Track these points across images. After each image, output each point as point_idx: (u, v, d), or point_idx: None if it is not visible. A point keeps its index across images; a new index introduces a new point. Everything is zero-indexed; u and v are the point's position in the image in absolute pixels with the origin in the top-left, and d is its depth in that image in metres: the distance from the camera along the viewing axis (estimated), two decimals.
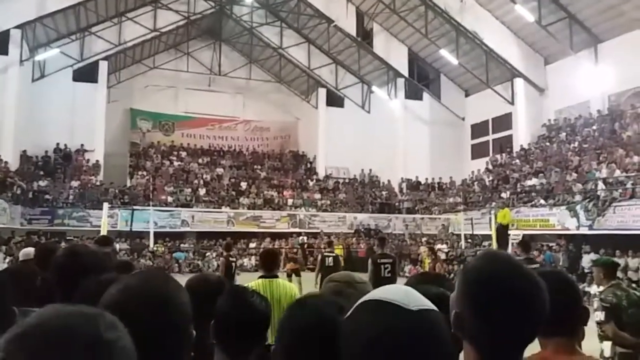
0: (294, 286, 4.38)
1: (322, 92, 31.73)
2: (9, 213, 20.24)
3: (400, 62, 30.54)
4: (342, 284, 1.71)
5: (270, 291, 4.05)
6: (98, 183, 25.57)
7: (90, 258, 1.99)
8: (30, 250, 4.92)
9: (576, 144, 23.02)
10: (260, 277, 4.34)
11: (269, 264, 4.40)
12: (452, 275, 19.40)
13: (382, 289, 0.97)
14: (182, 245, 23.95)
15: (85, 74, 27.22)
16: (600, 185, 18.42)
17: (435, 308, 0.94)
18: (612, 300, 4.29)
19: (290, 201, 27.53)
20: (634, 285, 13.86)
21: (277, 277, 4.33)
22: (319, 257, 11.90)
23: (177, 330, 1.06)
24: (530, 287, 1.09)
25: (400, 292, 0.94)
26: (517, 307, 1.06)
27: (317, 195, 28.64)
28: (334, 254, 11.38)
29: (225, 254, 10.70)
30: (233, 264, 10.11)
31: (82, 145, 26.70)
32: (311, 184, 29.86)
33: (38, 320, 0.72)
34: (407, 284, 1.77)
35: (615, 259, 15.83)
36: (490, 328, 1.06)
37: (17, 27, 23.85)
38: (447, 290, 1.57)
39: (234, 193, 27.21)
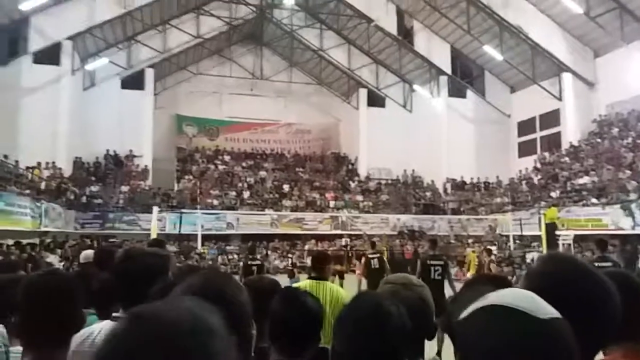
0: (342, 290, 4.30)
1: (362, 92, 31.63)
2: (63, 217, 21.08)
3: (443, 59, 30.08)
4: (399, 285, 1.72)
5: (317, 293, 4.05)
6: (147, 187, 26.32)
7: (150, 261, 1.98)
8: (90, 252, 5.09)
9: (630, 139, 22.08)
10: (309, 277, 4.33)
11: (319, 266, 4.33)
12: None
13: (506, 293, 0.92)
14: (227, 247, 24.35)
15: (133, 81, 28.10)
16: None
17: (560, 315, 0.89)
18: None
19: (332, 203, 27.55)
20: None
21: (326, 279, 4.29)
22: (363, 259, 11.80)
23: (238, 328, 1.10)
24: (598, 289, 1.05)
25: (528, 299, 0.89)
26: (585, 312, 1.02)
27: (359, 197, 28.55)
28: (377, 255, 11.28)
29: (247, 257, 10.10)
30: (255, 267, 8.96)
31: (130, 150, 27.56)
32: (353, 185, 29.80)
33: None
34: (465, 285, 1.73)
35: None
36: None
37: (68, 38, 24.85)
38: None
39: (277, 195, 27.46)
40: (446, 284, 8.46)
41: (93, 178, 25.73)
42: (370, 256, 11.27)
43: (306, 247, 24.08)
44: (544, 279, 1.08)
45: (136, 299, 1.74)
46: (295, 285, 4.23)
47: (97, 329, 1.86)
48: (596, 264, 9.69)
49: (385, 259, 11.70)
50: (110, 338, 0.73)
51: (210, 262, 21.21)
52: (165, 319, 0.73)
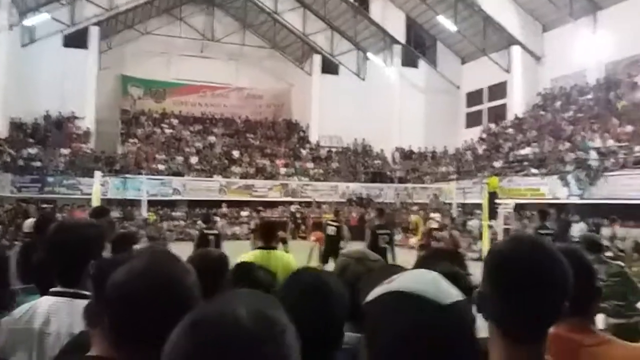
0: (291, 257, 4.45)
1: (317, 58, 31.27)
2: None
3: (397, 28, 30.01)
4: (352, 259, 1.73)
5: (267, 262, 4.11)
6: (89, 151, 25.43)
7: (85, 232, 1.88)
8: (32, 221, 4.83)
9: (571, 113, 22.79)
10: (258, 247, 4.39)
11: (267, 236, 4.42)
12: (440, 242, 19.49)
13: (411, 277, 0.94)
14: (173, 213, 23.97)
15: (76, 39, 26.77)
16: (593, 154, 18.27)
17: (461, 296, 0.92)
18: None
19: (282, 170, 27.43)
20: (621, 254, 13.85)
21: (274, 248, 4.40)
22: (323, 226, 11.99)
23: (185, 312, 1.06)
24: (550, 264, 1.08)
25: (430, 283, 0.91)
26: (537, 286, 1.05)
27: (310, 165, 28.53)
28: (336, 224, 11.41)
29: (202, 226, 9.74)
30: (212, 237, 8.44)
31: (72, 112, 26.42)
32: (304, 152, 29.70)
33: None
34: (420, 259, 1.78)
35: (604, 228, 15.94)
36: (512, 307, 1.06)
37: None
38: (459, 267, 1.63)
39: (226, 162, 27.08)
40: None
41: (31, 140, 24.58)
42: (329, 223, 11.43)
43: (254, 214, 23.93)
44: (500, 254, 1.12)
45: (73, 273, 1.73)
46: (244, 255, 4.20)
47: (34, 306, 1.79)
48: (538, 231, 10.20)
49: (344, 227, 11.82)
50: (168, 351, 0.65)
51: (152, 228, 20.85)
52: (230, 322, 0.65)
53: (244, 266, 2.12)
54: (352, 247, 10.74)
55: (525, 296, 1.05)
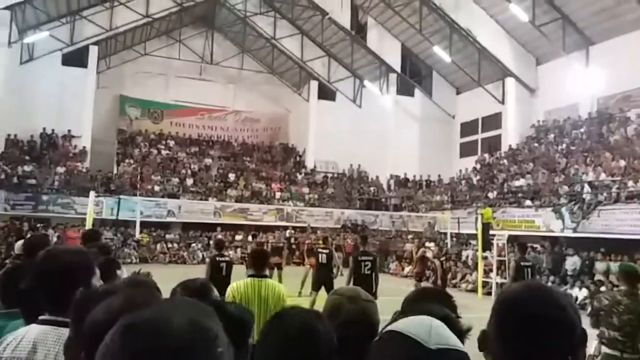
0: (282, 286, 4.46)
1: (314, 84, 31.59)
2: None
3: (393, 57, 30.49)
4: (344, 298, 1.68)
5: (258, 291, 4.19)
6: (84, 170, 25.32)
7: (71, 262, 1.86)
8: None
9: (564, 145, 23.12)
10: (250, 275, 4.39)
11: (259, 264, 4.46)
12: (435, 272, 19.48)
13: (409, 320, 0.97)
14: (167, 235, 23.84)
15: (75, 58, 26.87)
16: (586, 188, 18.51)
17: (459, 347, 0.93)
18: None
19: (278, 194, 27.45)
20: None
21: (266, 276, 4.43)
22: (315, 253, 11.96)
23: None
24: (555, 311, 1.10)
25: (424, 327, 0.93)
26: (539, 331, 1.07)
27: (306, 189, 28.59)
28: (327, 251, 11.47)
29: (214, 253, 9.23)
30: (223, 265, 8.09)
31: (69, 130, 26.39)
32: (300, 177, 29.79)
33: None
34: (407, 299, 1.73)
35: (598, 263, 16.08)
36: (517, 351, 1.08)
37: (6, 8, 23.38)
38: (449, 308, 1.57)
39: (222, 184, 27.06)
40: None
41: (27, 157, 24.48)
42: (320, 251, 11.44)
43: (249, 238, 23.86)
44: (505, 299, 1.16)
45: (61, 301, 1.69)
46: (234, 284, 4.23)
47: (21, 334, 1.77)
48: (520, 263, 10.54)
49: (334, 254, 11.85)
50: (101, 354, 0.66)
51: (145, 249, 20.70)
52: (163, 330, 0.66)
53: (216, 302, 2.06)
54: (344, 277, 10.82)
55: (531, 341, 1.07)
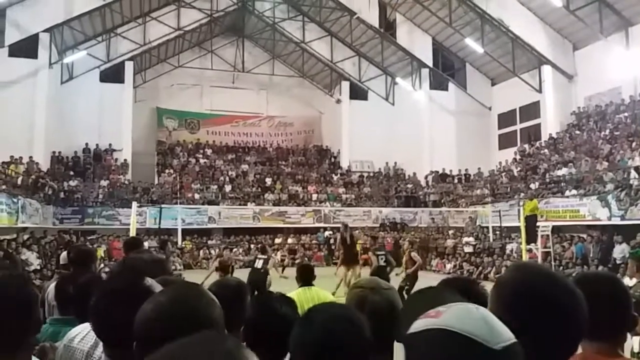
0: (328, 293, 4.96)
1: (345, 85, 31.57)
2: (41, 213, 20.78)
3: (425, 52, 30.12)
4: (367, 290, 1.71)
5: (310, 296, 4.59)
6: (126, 182, 26.06)
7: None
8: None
9: (607, 131, 22.34)
10: (301, 286, 4.81)
11: (306, 278, 4.85)
12: (479, 268, 19.15)
13: (458, 314, 0.85)
14: (209, 241, 24.24)
15: (112, 74, 27.74)
16: (633, 173, 17.82)
17: (513, 338, 0.85)
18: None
19: (314, 196, 27.53)
20: None
21: (312, 285, 4.85)
22: (370, 255, 12.28)
23: None
24: (567, 297, 1.07)
25: (482, 323, 0.83)
26: (555, 319, 1.05)
27: (342, 190, 28.57)
28: (383, 252, 11.79)
29: (258, 256, 10.70)
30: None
31: (110, 145, 27.25)
32: (335, 178, 29.80)
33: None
34: (432, 289, 1.68)
35: None
36: (528, 340, 0.99)
37: (45, 30, 24.43)
38: (475, 295, 1.52)
39: (259, 189, 27.36)
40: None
41: (72, 172, 25.39)
42: (378, 253, 11.53)
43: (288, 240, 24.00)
44: (515, 286, 1.11)
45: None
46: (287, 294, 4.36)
47: (88, 328, 1.84)
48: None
49: (389, 255, 12.07)
50: None
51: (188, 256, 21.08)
52: None
53: (265, 296, 2.11)
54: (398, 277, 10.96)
55: (542, 328, 1.04)
